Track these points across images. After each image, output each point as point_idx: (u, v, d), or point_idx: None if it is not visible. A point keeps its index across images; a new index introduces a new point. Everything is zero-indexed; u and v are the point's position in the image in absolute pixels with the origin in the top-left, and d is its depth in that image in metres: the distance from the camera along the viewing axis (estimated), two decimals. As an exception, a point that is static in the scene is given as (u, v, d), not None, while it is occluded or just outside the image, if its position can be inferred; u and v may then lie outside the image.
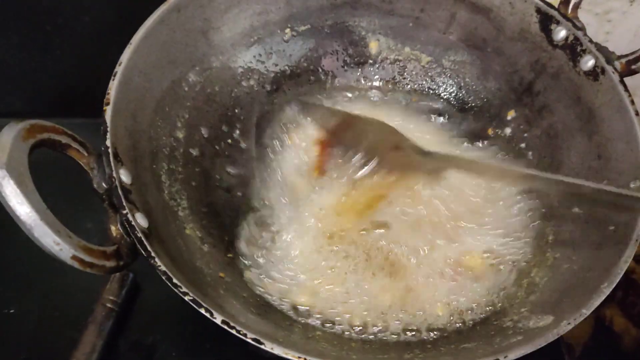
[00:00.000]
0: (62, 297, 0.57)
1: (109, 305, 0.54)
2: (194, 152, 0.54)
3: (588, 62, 0.50)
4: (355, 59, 0.62)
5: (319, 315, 0.48)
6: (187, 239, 0.47)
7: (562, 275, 0.44)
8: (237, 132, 0.58)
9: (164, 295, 0.50)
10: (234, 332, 0.36)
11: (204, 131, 0.55)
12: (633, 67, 0.49)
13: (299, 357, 0.35)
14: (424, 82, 0.63)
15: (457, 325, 0.47)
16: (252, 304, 0.46)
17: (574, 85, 0.52)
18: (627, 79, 0.48)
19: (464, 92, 0.61)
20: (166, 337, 0.55)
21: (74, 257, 0.35)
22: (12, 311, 0.56)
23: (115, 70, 0.45)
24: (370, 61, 0.62)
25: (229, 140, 0.57)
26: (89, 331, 0.53)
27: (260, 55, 0.59)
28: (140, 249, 0.38)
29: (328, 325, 0.47)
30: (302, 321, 0.47)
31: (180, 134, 0.52)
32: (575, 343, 0.69)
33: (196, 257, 0.46)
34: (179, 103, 0.53)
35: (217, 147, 0.56)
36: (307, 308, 0.48)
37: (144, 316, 0.56)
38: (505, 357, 0.36)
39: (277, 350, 0.35)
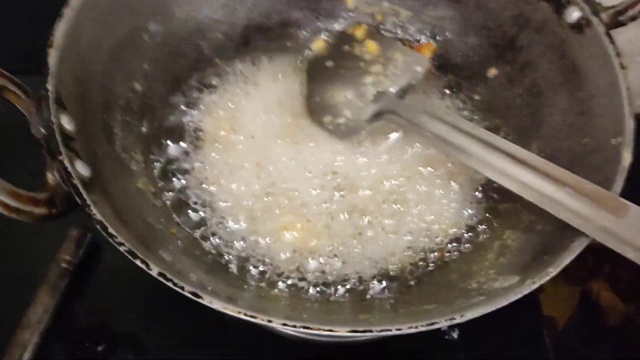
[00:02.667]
0: (17, 257, 0.55)
1: (63, 265, 0.53)
2: (154, 103, 0.51)
3: (573, 14, 0.47)
4: (330, 13, 0.59)
5: (270, 274, 0.46)
6: (139, 192, 0.45)
7: (535, 237, 0.42)
8: (199, 85, 0.55)
9: (125, 259, 0.51)
10: (170, 284, 0.34)
11: (166, 84, 0.53)
12: (620, 18, 0.46)
13: (239, 312, 0.33)
14: (403, 38, 0.60)
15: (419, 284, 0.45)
16: (204, 262, 0.44)
17: (558, 39, 0.49)
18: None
19: (443, 49, 0.58)
20: (124, 302, 0.54)
21: (-3, 201, 0.32)
22: (-36, 270, 0.54)
23: (62, 11, 0.42)
24: (346, 15, 0.59)
25: (192, 96, 0.55)
26: (42, 291, 0.51)
27: (226, 6, 0.56)
28: (76, 196, 0.36)
29: (281, 283, 0.46)
30: (254, 282, 0.45)
31: (137, 85, 0.50)
32: (559, 317, 0.67)
33: (147, 211, 0.44)
34: (138, 53, 0.50)
35: (177, 100, 0.54)
36: (261, 269, 0.46)
37: (103, 279, 0.55)
38: (461, 317, 0.33)
39: (216, 305, 0.33)
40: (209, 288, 0.36)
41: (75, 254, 0.53)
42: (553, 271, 0.35)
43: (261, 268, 0.46)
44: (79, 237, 0.54)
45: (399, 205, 0.50)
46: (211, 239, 0.47)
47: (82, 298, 0.53)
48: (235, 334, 0.52)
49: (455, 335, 0.54)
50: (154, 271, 0.34)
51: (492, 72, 0.56)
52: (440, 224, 0.49)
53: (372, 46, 0.56)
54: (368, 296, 0.46)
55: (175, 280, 0.34)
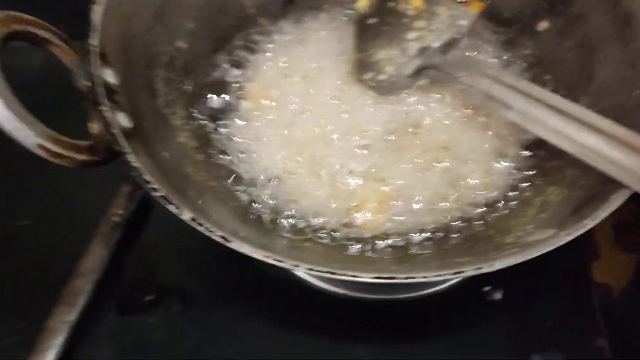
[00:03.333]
0: (73, 211, 0.58)
1: (115, 218, 0.55)
2: (198, 62, 0.52)
3: (627, -38, 0.45)
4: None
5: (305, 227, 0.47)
6: (180, 146, 0.47)
7: (577, 192, 0.41)
8: (244, 44, 0.56)
9: (174, 215, 0.53)
10: (201, 229, 0.35)
11: (210, 43, 0.54)
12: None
13: (266, 257, 0.34)
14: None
15: (457, 240, 0.45)
16: (240, 213, 0.45)
17: (611, -11, 0.46)
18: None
19: (492, 2, 0.56)
20: (171, 256, 0.56)
21: (40, 146, 0.35)
22: (26, 223, 0.58)
23: (106, -32, 0.43)
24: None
25: (237, 53, 0.56)
26: (96, 243, 0.54)
27: (271, -37, 0.56)
28: (115, 144, 0.37)
29: (317, 235, 0.47)
30: (288, 234, 0.46)
31: (182, 44, 0.51)
32: (614, 284, 0.65)
33: (187, 163, 0.46)
34: (182, 11, 0.51)
35: (222, 58, 0.55)
36: (297, 223, 0.47)
37: (152, 234, 0.57)
38: (490, 266, 0.33)
39: (245, 249, 0.34)
40: (242, 235, 0.37)
41: (127, 208, 0.56)
42: (589, 223, 0.35)
43: (298, 222, 0.47)
44: (130, 193, 0.57)
45: (447, 163, 0.49)
46: (253, 196, 0.48)
47: (132, 251, 0.56)
48: (278, 290, 0.54)
49: (498, 296, 0.52)
50: (186, 216, 0.35)
51: (543, 25, 0.54)
52: (485, 181, 0.49)
53: (416, 2, 0.54)
54: (409, 252, 0.46)
55: (207, 225, 0.35)
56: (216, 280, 0.55)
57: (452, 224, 0.46)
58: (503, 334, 0.51)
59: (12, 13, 0.37)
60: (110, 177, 0.57)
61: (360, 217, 0.47)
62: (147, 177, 0.36)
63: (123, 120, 0.40)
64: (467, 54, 0.53)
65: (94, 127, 0.39)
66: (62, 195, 0.59)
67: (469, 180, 0.48)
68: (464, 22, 0.52)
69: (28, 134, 0.34)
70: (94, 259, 0.53)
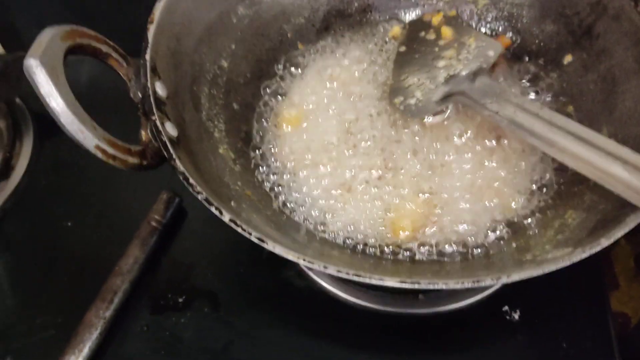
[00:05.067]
0: (114, 214, 0.62)
1: (153, 223, 0.58)
2: (239, 80, 0.56)
3: (649, 1, 0.47)
4: (409, 0, 0.62)
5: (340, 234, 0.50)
6: (220, 157, 0.50)
7: (594, 215, 0.42)
8: (282, 67, 0.59)
9: (207, 223, 0.56)
10: (239, 230, 0.37)
11: (250, 64, 0.57)
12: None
13: (298, 257, 0.36)
14: (479, 26, 0.61)
15: (476, 257, 0.47)
16: (274, 221, 0.47)
17: (634, 27, 0.49)
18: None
19: (520, 36, 0.59)
20: (204, 260, 0.58)
21: (97, 147, 0.38)
22: (69, 224, 0.62)
23: (162, -7, 0.47)
24: (424, 2, 0.62)
25: (275, 75, 0.59)
26: (134, 245, 0.57)
27: (311, -9, 0.59)
28: (164, 151, 0.40)
29: (349, 242, 0.49)
30: (319, 243, 0.48)
31: (225, 63, 0.55)
32: (632, 314, 0.66)
33: (225, 173, 0.48)
34: (227, 34, 0.55)
35: (261, 79, 0.58)
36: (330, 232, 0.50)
37: (187, 239, 0.60)
38: (508, 277, 0.35)
39: (279, 250, 0.37)
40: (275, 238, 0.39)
41: (164, 214, 0.59)
42: (605, 242, 0.36)
43: (331, 232, 0.50)
44: (168, 200, 0.60)
45: (463, 181, 0.51)
46: (287, 204, 0.51)
47: (167, 254, 0.58)
48: (303, 300, 0.56)
49: (516, 316, 0.54)
50: (226, 217, 0.38)
51: (568, 58, 0.55)
52: (505, 203, 0.50)
53: (447, 32, 0.58)
54: (440, 262, 0.48)
55: (244, 226, 0.37)
56: (245, 286, 0.57)
57: (471, 241, 0.48)
58: (519, 354, 0.51)
59: (78, 27, 0.41)
60: (150, 185, 0.61)
61: (397, 230, 0.49)
62: (192, 181, 0.39)
63: (170, 129, 0.43)
64: (493, 82, 0.54)
65: (144, 134, 0.43)
66: (104, 200, 0.63)
67: (494, 200, 0.50)
68: (491, 53, 0.54)
69: (88, 136, 0.37)
70: (132, 260, 0.56)
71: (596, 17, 0.53)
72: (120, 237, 0.57)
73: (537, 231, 0.47)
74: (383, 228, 0.50)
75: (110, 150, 0.38)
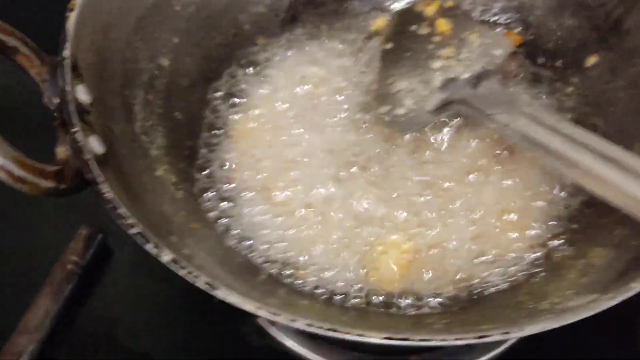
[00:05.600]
0: (20, 254, 0.62)
1: (70, 266, 0.58)
2: (182, 83, 0.57)
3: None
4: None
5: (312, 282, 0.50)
6: (158, 180, 0.50)
7: (625, 254, 0.44)
8: (237, 66, 0.61)
9: (139, 265, 0.56)
10: (183, 273, 0.37)
11: (197, 63, 0.58)
12: None
13: (258, 308, 0.36)
14: (484, 18, 0.64)
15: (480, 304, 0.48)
16: (227, 262, 0.48)
17: (673, 21, 0.50)
18: None
19: (532, 31, 0.62)
20: (134, 312, 0.59)
21: (2, 168, 0.38)
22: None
23: (86, -28, 0.47)
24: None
25: (228, 76, 0.60)
26: (44, 294, 0.57)
27: (273, -27, 0.61)
28: (86, 171, 0.40)
29: (322, 290, 0.50)
30: (285, 290, 0.49)
31: (165, 61, 0.56)
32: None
33: (165, 200, 0.49)
34: (168, 25, 0.56)
35: (211, 81, 0.59)
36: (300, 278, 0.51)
37: (111, 286, 0.60)
38: (520, 330, 0.36)
39: (233, 299, 0.37)
40: (229, 284, 0.39)
41: (84, 255, 0.59)
42: (637, 286, 0.37)
43: (297, 275, 0.51)
44: (88, 237, 0.60)
45: (467, 212, 0.53)
46: (243, 244, 0.52)
47: (87, 304, 0.58)
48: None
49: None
50: (166, 257, 0.38)
51: (591, 60, 0.58)
52: (515, 237, 0.52)
53: (443, 26, 0.59)
54: (425, 314, 0.49)
55: (189, 269, 0.38)
56: (187, 347, 0.57)
57: (474, 284, 0.50)
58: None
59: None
60: (67, 217, 0.61)
61: (376, 273, 0.50)
62: (121, 210, 0.39)
63: (95, 144, 0.43)
64: (501, 88, 0.57)
65: (62, 151, 0.43)
66: (8, 236, 0.62)
67: (496, 235, 0.52)
68: (498, 52, 0.56)
69: (-10, 153, 0.37)
70: (42, 313, 0.55)
71: (626, 8, 0.55)
72: (29, 284, 0.57)
73: (556, 273, 0.48)
74: (365, 272, 0.51)
75: (19, 172, 0.38)
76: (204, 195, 0.54)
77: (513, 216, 0.53)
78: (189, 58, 0.57)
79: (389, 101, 0.57)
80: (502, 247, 0.52)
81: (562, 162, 0.46)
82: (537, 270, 0.50)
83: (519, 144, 0.50)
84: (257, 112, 0.59)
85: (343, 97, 0.59)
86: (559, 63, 0.60)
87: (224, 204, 0.54)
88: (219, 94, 0.59)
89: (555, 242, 0.51)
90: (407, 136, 0.56)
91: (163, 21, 0.55)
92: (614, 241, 0.47)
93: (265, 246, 0.52)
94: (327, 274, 0.50)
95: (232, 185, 0.55)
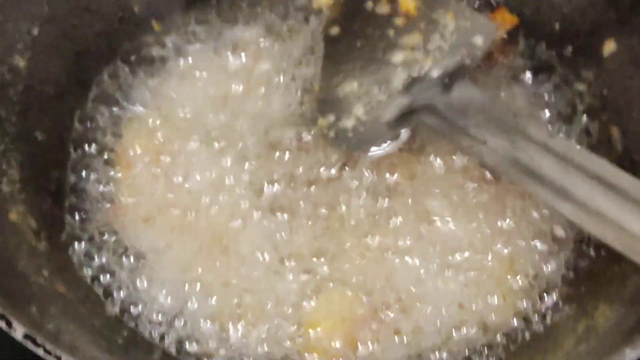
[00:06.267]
0: None
1: None
2: (45, 91, 0.61)
3: None
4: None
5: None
6: (11, 227, 0.54)
7: (637, 311, 0.49)
8: (122, 64, 0.65)
9: None
10: (41, 353, 0.42)
11: (67, 62, 0.62)
12: None
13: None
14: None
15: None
16: (106, 338, 0.52)
17: None
18: None
19: (531, 9, 0.66)
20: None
21: None
22: None
23: None
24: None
25: (110, 78, 0.64)
26: None
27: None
28: None
29: None
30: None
31: (20, 61, 0.59)
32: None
33: (21, 255, 0.53)
34: (23, 9, 0.59)
35: (85, 87, 0.63)
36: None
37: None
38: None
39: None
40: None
41: None
42: (631, 353, 0.43)
43: (200, 353, 0.54)
44: None
45: (444, 269, 0.58)
46: (130, 307, 0.56)
47: None
48: None
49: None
50: (19, 331, 0.42)
51: (609, 47, 0.62)
52: (504, 297, 0.57)
53: (408, 3, 0.64)
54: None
55: (50, 347, 0.42)
56: None
57: (452, 357, 0.54)
58: None
59: None
60: None
61: (320, 346, 0.54)
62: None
63: None
64: (481, 91, 0.60)
65: None
66: None
67: (480, 296, 0.57)
68: (479, 40, 0.61)
69: None
70: None
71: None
72: None
73: (549, 340, 0.53)
74: (300, 342, 0.55)
75: None
76: (76, 245, 0.58)
77: (494, 264, 0.57)
78: (54, 56, 0.61)
79: (333, 109, 0.62)
80: (481, 310, 0.56)
81: (561, 197, 0.51)
82: (526, 338, 0.55)
83: (501, 170, 0.55)
84: (149, 126, 0.62)
85: (268, 104, 0.63)
86: (567, 51, 0.64)
87: (102, 258, 0.58)
88: (96, 104, 0.63)
89: (550, 299, 0.56)
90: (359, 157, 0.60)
91: (16, 5, 0.58)
92: (624, 295, 0.52)
93: (159, 315, 0.55)
94: (244, 350, 0.54)
95: (115, 229, 0.59)
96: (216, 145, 0.62)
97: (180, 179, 0.61)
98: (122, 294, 0.56)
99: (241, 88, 0.65)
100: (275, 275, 0.57)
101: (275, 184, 0.60)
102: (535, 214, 0.60)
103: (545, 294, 0.57)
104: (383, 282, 0.57)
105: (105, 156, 0.62)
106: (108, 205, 0.60)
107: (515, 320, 0.56)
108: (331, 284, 0.57)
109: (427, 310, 0.56)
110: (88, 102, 0.63)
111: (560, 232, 0.59)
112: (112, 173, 0.61)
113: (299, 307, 0.56)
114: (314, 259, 0.58)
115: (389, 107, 0.61)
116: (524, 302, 0.57)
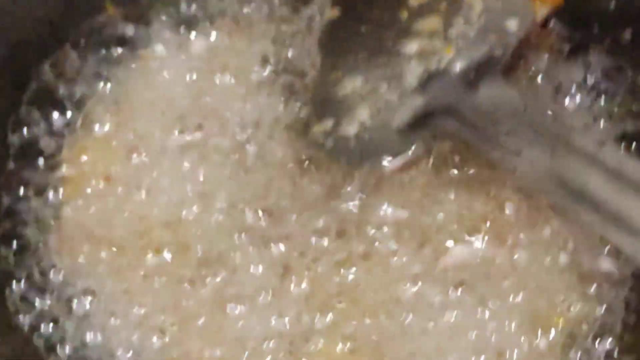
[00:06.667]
0: None
1: None
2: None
3: None
4: None
5: None
6: None
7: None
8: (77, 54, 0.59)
9: None
10: None
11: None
12: None
13: None
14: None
15: None
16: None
17: None
18: None
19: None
20: None
21: None
22: None
23: None
24: None
25: (53, 74, 0.58)
26: None
27: None
28: None
29: None
30: None
31: None
32: None
33: None
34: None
35: (25, 87, 0.57)
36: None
37: None
38: None
39: None
40: None
41: None
42: None
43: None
44: None
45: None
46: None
47: None
48: None
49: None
50: None
51: None
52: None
53: None
54: None
55: None
56: None
57: None
58: None
59: None
60: None
61: None
62: None
63: None
64: (516, 90, 0.54)
65: None
66: None
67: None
68: (513, 25, 0.53)
69: None
70: None
71: None
72: None
73: None
74: None
75: None
76: (13, 285, 0.53)
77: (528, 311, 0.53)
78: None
79: (332, 112, 0.56)
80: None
81: (612, 219, 0.46)
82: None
83: (539, 188, 0.50)
84: (98, 136, 0.57)
85: (251, 106, 0.57)
86: (625, 36, 0.58)
87: (44, 301, 0.52)
88: (35, 105, 0.57)
89: (602, 346, 0.52)
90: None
91: None
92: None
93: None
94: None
95: (60, 264, 0.53)
96: (185, 160, 0.57)
97: (143, 196, 0.56)
98: (67, 348, 0.51)
99: (218, 89, 0.59)
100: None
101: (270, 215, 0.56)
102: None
103: (598, 340, 0.53)
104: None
105: (48, 174, 0.56)
106: (49, 239, 0.55)
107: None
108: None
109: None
110: (24, 103, 0.58)
111: (613, 266, 0.54)
112: (54, 198, 0.56)
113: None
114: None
115: (400, 110, 0.54)
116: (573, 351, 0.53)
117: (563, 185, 0.47)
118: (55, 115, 0.57)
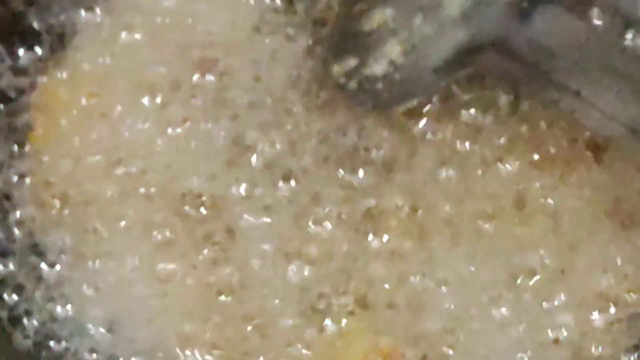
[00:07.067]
0: None
1: None
2: None
3: None
4: None
5: None
6: None
7: None
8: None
9: None
10: None
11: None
12: None
13: None
14: None
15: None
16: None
17: None
18: None
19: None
20: None
21: None
22: None
23: None
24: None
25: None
26: None
27: None
28: None
29: None
30: None
31: None
32: None
33: None
34: None
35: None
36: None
37: None
38: None
39: None
40: None
41: None
42: None
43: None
44: None
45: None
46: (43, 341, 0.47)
47: None
48: None
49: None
50: None
51: None
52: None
53: None
54: None
55: None
56: None
57: None
58: None
59: None
60: None
61: None
62: None
63: None
64: (577, 20, 0.49)
65: None
66: None
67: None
68: None
69: None
70: None
71: None
72: None
73: None
74: None
75: None
76: None
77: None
78: None
79: (357, 49, 0.52)
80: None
81: None
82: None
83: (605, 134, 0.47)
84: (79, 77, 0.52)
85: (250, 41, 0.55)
86: None
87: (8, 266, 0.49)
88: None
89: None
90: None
91: None
92: None
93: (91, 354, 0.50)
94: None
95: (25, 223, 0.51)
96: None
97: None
98: (35, 321, 0.47)
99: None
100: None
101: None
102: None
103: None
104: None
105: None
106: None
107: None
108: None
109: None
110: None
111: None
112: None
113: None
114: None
115: (439, 45, 0.50)
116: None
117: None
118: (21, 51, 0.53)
